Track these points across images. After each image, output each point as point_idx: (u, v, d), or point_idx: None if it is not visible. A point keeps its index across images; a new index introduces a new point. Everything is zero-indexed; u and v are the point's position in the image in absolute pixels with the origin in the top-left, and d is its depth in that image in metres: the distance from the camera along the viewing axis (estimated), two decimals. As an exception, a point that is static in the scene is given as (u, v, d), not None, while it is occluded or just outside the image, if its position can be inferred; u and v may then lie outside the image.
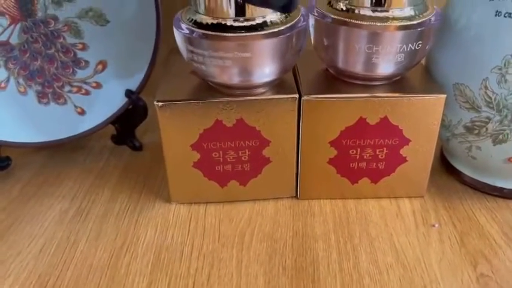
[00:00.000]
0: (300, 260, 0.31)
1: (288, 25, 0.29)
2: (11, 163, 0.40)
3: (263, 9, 0.28)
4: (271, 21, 0.29)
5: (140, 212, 0.35)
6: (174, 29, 0.30)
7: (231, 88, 0.31)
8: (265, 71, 0.30)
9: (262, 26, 0.28)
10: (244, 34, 0.28)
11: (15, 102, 0.38)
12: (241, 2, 0.27)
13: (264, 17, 0.28)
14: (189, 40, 0.29)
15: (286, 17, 0.29)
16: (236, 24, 0.28)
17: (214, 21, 0.28)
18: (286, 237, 0.33)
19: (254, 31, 0.28)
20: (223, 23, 0.28)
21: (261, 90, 0.32)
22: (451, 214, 0.35)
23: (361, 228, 0.34)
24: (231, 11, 0.28)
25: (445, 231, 0.33)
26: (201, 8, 0.29)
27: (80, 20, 0.38)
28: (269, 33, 0.28)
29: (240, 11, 0.28)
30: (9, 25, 0.37)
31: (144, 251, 0.32)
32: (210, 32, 0.28)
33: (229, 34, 0.28)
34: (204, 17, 0.29)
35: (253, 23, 0.28)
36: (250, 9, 0.28)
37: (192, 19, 0.29)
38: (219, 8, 0.28)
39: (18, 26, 0.37)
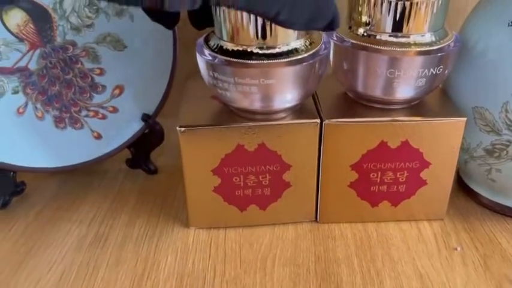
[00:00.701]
0: (324, 286, 0.31)
1: (310, 52, 0.29)
2: (25, 188, 0.40)
3: (287, 35, 0.28)
4: (294, 49, 0.29)
5: (159, 237, 0.35)
6: (197, 55, 0.30)
7: (252, 113, 0.31)
8: (287, 97, 0.30)
9: (286, 53, 0.29)
10: (268, 61, 0.28)
11: (32, 127, 0.38)
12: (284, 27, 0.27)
13: (287, 44, 0.29)
14: (212, 66, 0.29)
15: (309, 44, 0.29)
16: (260, 51, 0.28)
17: (238, 48, 0.29)
18: (308, 262, 0.33)
19: (278, 58, 0.28)
20: (248, 50, 0.28)
21: (282, 115, 0.32)
22: (472, 237, 0.35)
23: (383, 252, 0.33)
24: (255, 38, 0.28)
25: (467, 254, 0.33)
26: (225, 35, 0.29)
27: (97, 46, 0.38)
28: (292, 60, 0.28)
29: (263, 38, 0.28)
30: (28, 51, 0.37)
31: (165, 278, 0.32)
32: (233, 59, 0.28)
33: (253, 61, 0.28)
34: (227, 43, 0.29)
35: (277, 50, 0.28)
36: (273, 36, 0.28)
37: (216, 45, 0.29)
38: (243, 35, 0.28)
39: (37, 51, 0.37)
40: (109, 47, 0.39)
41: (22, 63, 0.37)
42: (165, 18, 0.29)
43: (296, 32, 0.28)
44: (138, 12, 0.38)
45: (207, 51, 0.30)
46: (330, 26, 0.24)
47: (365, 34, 0.31)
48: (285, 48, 0.28)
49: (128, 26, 0.38)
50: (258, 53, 0.28)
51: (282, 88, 0.29)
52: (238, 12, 0.27)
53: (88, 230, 0.36)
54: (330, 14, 0.23)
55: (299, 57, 0.29)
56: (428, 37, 0.30)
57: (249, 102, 0.30)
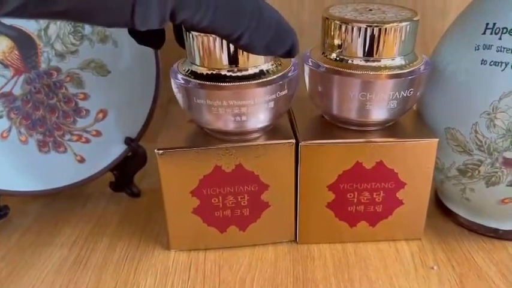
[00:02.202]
0: (301, 306, 0.31)
1: (280, 74, 0.30)
2: (9, 212, 0.40)
3: (256, 59, 0.29)
4: (265, 70, 0.30)
5: (140, 260, 0.35)
6: (172, 79, 0.31)
7: (227, 134, 0.32)
8: (260, 117, 0.31)
9: (256, 75, 0.30)
10: (239, 83, 0.29)
11: (15, 151, 0.38)
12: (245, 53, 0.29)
13: (256, 66, 0.30)
14: (185, 90, 0.30)
15: (277, 66, 0.31)
16: (231, 74, 0.29)
17: (210, 72, 0.30)
18: (287, 282, 0.33)
19: (249, 80, 0.29)
20: (221, 73, 0.29)
21: (256, 135, 0.33)
22: (449, 256, 0.35)
23: (361, 272, 0.34)
24: (226, 62, 0.29)
25: (444, 273, 0.33)
26: (197, 60, 0.30)
27: (82, 71, 0.39)
28: (263, 81, 0.30)
29: (234, 62, 0.29)
30: (13, 76, 0.38)
31: (144, 300, 0.32)
32: (206, 82, 0.29)
33: (225, 84, 0.29)
34: (200, 67, 0.30)
35: (248, 72, 0.30)
36: (243, 60, 0.29)
37: (189, 70, 0.30)
38: (214, 59, 0.29)
39: (22, 77, 0.38)
40: (93, 73, 0.40)
41: (6, 89, 0.37)
42: (151, 40, 0.30)
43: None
44: (121, 38, 0.39)
45: (180, 76, 0.31)
46: (289, 53, 0.25)
47: (338, 59, 0.32)
48: (254, 71, 0.30)
49: (111, 52, 0.39)
50: (229, 76, 0.29)
51: (253, 109, 0.30)
52: (209, 37, 0.28)
53: (69, 253, 0.36)
54: (290, 42, 0.24)
55: (269, 78, 0.30)
56: (399, 61, 0.31)
57: (223, 123, 0.31)
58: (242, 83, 0.29)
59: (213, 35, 0.28)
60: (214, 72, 0.29)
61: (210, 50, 0.29)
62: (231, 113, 0.30)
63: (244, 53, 0.29)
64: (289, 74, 0.31)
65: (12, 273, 0.34)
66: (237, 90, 0.29)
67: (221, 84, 0.29)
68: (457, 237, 0.37)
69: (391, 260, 0.35)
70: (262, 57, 0.30)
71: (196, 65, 0.30)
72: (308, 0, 0.46)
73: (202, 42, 0.29)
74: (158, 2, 0.20)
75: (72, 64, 0.39)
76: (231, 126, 0.31)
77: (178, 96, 0.32)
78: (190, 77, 0.30)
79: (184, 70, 0.31)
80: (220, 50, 0.29)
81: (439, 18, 0.48)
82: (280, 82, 0.30)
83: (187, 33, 0.29)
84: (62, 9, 0.19)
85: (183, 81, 0.30)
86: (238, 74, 0.29)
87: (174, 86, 0.31)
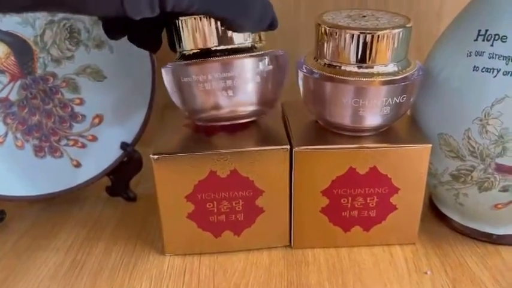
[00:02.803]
0: (295, 311, 0.31)
1: (267, 51, 0.32)
2: (5, 216, 0.40)
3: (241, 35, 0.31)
4: (250, 45, 0.31)
5: (135, 264, 0.35)
6: (162, 70, 0.32)
7: (220, 120, 0.33)
8: (248, 91, 0.31)
9: (244, 49, 0.31)
10: (228, 57, 0.30)
11: (12, 157, 0.39)
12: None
13: (243, 43, 0.31)
14: (175, 72, 0.31)
15: (260, 41, 0.32)
16: (220, 48, 0.30)
17: (197, 51, 0.31)
18: (281, 287, 0.33)
19: (237, 53, 0.30)
20: (209, 49, 0.31)
21: (247, 119, 0.33)
22: (443, 261, 0.35)
23: (355, 277, 0.34)
24: (214, 40, 0.30)
25: (437, 278, 0.34)
26: (185, 43, 0.31)
27: (77, 77, 0.39)
28: (251, 55, 0.31)
29: (223, 40, 0.30)
30: (9, 82, 0.38)
31: (138, 305, 0.32)
32: (195, 60, 0.31)
33: (215, 58, 0.30)
34: (187, 51, 0.31)
35: (236, 46, 0.31)
36: (230, 37, 0.31)
37: (179, 54, 0.32)
38: (202, 37, 0.30)
39: (18, 83, 0.38)
40: (89, 78, 0.40)
41: (2, 94, 0.38)
42: (147, 42, 0.31)
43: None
44: (117, 44, 0.39)
45: (170, 64, 0.32)
46: (271, 26, 0.29)
47: (331, 65, 0.32)
48: (243, 45, 0.31)
49: (107, 57, 0.40)
50: (218, 50, 0.30)
51: (241, 82, 0.31)
52: (195, 20, 0.30)
53: (65, 258, 0.36)
54: (270, 15, 0.28)
55: (259, 53, 0.31)
56: (391, 67, 0.32)
57: (213, 102, 0.31)
58: (231, 56, 0.30)
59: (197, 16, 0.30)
60: (202, 50, 0.30)
61: (197, 30, 0.30)
62: (218, 89, 0.30)
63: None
64: (276, 54, 0.32)
65: (8, 279, 0.34)
66: (225, 62, 0.30)
67: (209, 58, 0.30)
68: (450, 242, 0.37)
69: (385, 265, 0.35)
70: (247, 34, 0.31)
71: (186, 50, 0.31)
72: (304, 5, 0.46)
73: (189, 25, 0.30)
74: None
75: (68, 69, 0.39)
76: (220, 102, 0.31)
77: (168, 83, 0.33)
78: (180, 60, 0.31)
79: (175, 59, 0.32)
80: (208, 29, 0.30)
81: (434, 23, 0.48)
82: (266, 57, 0.31)
83: (176, 22, 0.30)
84: None
85: (170, 65, 0.31)
86: (228, 46, 0.30)
87: (164, 75, 0.32)
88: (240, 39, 0.31)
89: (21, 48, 0.38)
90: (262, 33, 0.32)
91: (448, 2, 0.47)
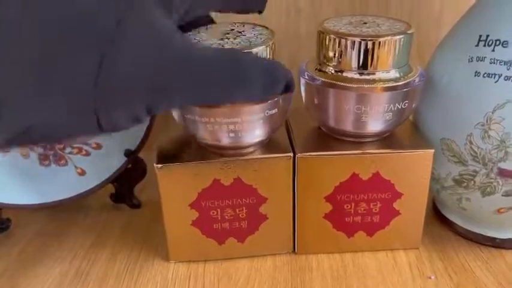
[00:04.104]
0: (299, 317, 0.31)
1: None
2: (10, 225, 0.41)
3: None
4: None
5: (140, 272, 0.36)
6: None
7: (223, 149, 0.33)
8: (256, 132, 0.31)
9: None
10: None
11: (17, 166, 0.39)
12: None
13: None
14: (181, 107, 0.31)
15: None
16: None
17: None
18: (285, 293, 0.33)
19: None
20: None
21: (252, 149, 0.33)
22: (447, 265, 0.35)
23: (359, 282, 0.34)
24: None
25: (441, 283, 0.34)
26: None
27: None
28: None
29: None
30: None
31: (144, 312, 0.32)
32: None
33: None
34: None
35: None
36: None
37: None
38: None
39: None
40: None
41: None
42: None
43: None
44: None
45: None
46: (287, 90, 0.26)
47: (333, 72, 0.32)
48: None
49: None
50: None
51: (248, 126, 0.30)
52: None
53: (70, 266, 0.37)
54: (282, 80, 0.25)
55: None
56: (393, 73, 0.32)
57: (217, 139, 0.31)
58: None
59: None
60: None
61: None
62: (225, 130, 0.30)
63: None
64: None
65: None
66: (231, 107, 0.29)
67: None
68: (454, 246, 0.37)
69: (389, 270, 0.35)
70: None
71: None
72: (305, 12, 0.46)
73: None
74: (124, 109, 0.19)
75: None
76: (225, 141, 0.31)
77: (174, 112, 0.32)
78: None
79: None
80: None
81: (435, 28, 0.48)
82: (276, 99, 0.30)
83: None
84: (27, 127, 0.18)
85: None
86: None
87: None
88: None
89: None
90: None
91: (448, 8, 0.47)
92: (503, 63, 0.30)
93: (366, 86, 0.31)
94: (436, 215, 0.40)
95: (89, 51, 0.17)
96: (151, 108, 0.20)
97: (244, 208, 0.34)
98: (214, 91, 0.22)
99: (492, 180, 0.32)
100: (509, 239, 0.36)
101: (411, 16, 0.47)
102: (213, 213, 0.34)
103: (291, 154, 0.33)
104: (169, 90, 0.20)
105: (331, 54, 0.32)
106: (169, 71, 0.19)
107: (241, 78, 0.22)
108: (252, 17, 0.32)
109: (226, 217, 0.35)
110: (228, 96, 0.23)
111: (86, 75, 0.17)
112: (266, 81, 0.24)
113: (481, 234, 0.37)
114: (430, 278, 0.34)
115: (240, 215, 0.35)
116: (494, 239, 0.37)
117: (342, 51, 0.32)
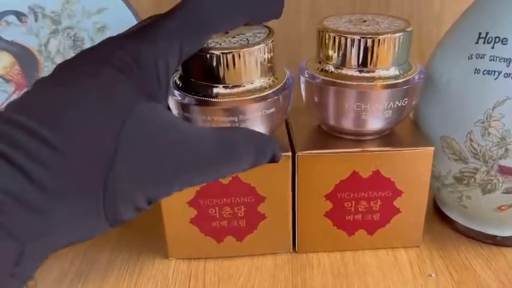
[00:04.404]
0: (300, 316, 0.31)
1: (274, 89, 0.30)
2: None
3: (251, 74, 0.30)
4: (260, 86, 0.30)
5: (140, 270, 0.36)
6: (169, 97, 0.31)
7: None
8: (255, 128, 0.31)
9: (251, 91, 0.30)
10: (235, 99, 0.29)
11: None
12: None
13: (252, 82, 0.30)
14: (182, 106, 0.30)
15: (273, 81, 0.31)
16: (226, 91, 0.29)
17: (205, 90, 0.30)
18: (285, 292, 0.33)
19: (244, 96, 0.29)
20: (214, 91, 0.29)
21: None
22: (447, 263, 0.35)
23: (360, 280, 0.34)
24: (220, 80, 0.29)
25: (442, 281, 0.34)
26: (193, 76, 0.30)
27: (81, 84, 0.40)
28: (258, 97, 0.30)
29: (226, 80, 0.29)
30: (14, 91, 0.38)
31: (144, 311, 0.32)
32: (202, 98, 0.30)
33: (221, 100, 0.29)
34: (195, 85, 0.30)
35: (243, 89, 0.30)
36: (238, 75, 0.29)
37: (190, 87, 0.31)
38: (208, 75, 0.29)
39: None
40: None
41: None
42: None
43: (259, 70, 0.30)
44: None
45: (176, 92, 0.31)
46: (272, 161, 0.26)
47: (333, 70, 0.32)
48: (250, 86, 0.30)
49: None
50: (223, 93, 0.29)
51: (249, 123, 0.30)
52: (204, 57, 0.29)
53: (70, 266, 0.37)
54: (267, 154, 0.25)
55: (263, 94, 0.30)
56: (393, 71, 0.32)
57: None
58: (238, 98, 0.29)
59: (208, 53, 0.29)
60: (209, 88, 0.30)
61: (203, 67, 0.29)
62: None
63: (238, 68, 0.29)
64: (284, 88, 0.31)
65: None
66: (233, 105, 0.29)
67: (217, 100, 0.29)
68: (455, 244, 0.37)
69: (390, 268, 0.35)
70: (257, 72, 0.30)
71: (193, 80, 0.30)
72: (304, 10, 0.46)
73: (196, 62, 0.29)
74: (125, 201, 0.20)
75: (72, 78, 0.39)
76: None
77: (175, 113, 0.32)
78: (185, 93, 0.30)
79: (180, 85, 0.31)
80: (213, 68, 0.29)
81: (436, 26, 0.48)
82: (275, 97, 0.30)
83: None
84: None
85: (179, 97, 0.30)
86: (233, 90, 0.29)
87: (170, 102, 0.31)
88: (249, 79, 0.30)
89: (25, 58, 0.38)
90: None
91: (448, 6, 0.47)
92: (503, 60, 0.30)
93: (366, 83, 0.31)
94: (437, 213, 0.40)
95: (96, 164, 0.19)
96: (152, 200, 0.21)
97: (242, 207, 0.34)
98: (210, 173, 0.23)
99: (492, 177, 0.32)
100: (510, 236, 0.36)
101: (412, 14, 0.47)
102: (212, 211, 0.34)
103: (290, 153, 0.33)
104: (170, 181, 0.21)
105: (331, 52, 0.32)
106: (169, 166, 0.21)
107: (234, 158, 0.24)
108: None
109: (225, 215, 0.35)
110: (223, 174, 0.24)
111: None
112: (256, 159, 0.25)
113: (482, 232, 0.37)
114: (430, 276, 0.34)
115: (239, 214, 0.35)
116: (495, 236, 0.36)
117: (341, 49, 0.32)
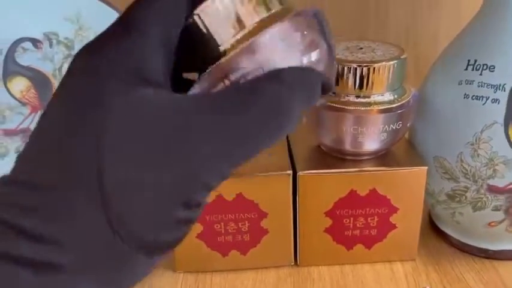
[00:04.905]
0: (301, 327, 0.33)
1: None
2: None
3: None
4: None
5: (150, 283, 0.38)
6: None
7: None
8: None
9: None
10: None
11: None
12: None
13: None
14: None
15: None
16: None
17: None
18: (287, 304, 0.35)
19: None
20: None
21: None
22: (442, 277, 0.37)
23: (358, 293, 0.36)
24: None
25: (436, 293, 0.36)
26: None
27: (93, 106, 0.42)
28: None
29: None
30: (30, 113, 0.40)
31: (154, 323, 0.34)
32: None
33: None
34: None
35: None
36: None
37: None
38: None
39: (38, 113, 0.40)
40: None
41: (25, 125, 0.40)
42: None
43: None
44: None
45: None
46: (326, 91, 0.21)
47: (331, 95, 0.34)
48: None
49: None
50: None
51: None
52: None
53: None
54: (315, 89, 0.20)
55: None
56: (388, 96, 0.34)
57: None
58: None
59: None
60: None
61: None
62: None
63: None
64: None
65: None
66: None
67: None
68: (449, 258, 0.39)
69: (387, 281, 0.37)
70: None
71: None
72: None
73: None
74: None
75: (84, 99, 0.42)
76: None
77: None
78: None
79: None
80: None
81: (431, 46, 0.50)
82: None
83: None
84: None
85: None
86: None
87: None
88: None
89: (41, 82, 0.40)
90: None
91: (443, 28, 0.49)
92: (490, 86, 0.32)
93: (362, 108, 0.33)
94: (432, 228, 0.42)
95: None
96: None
97: (246, 222, 0.36)
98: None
99: (482, 195, 0.34)
100: (501, 250, 0.38)
101: (408, 32, 0.50)
102: (217, 226, 0.36)
103: (290, 172, 0.35)
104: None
105: (329, 78, 0.34)
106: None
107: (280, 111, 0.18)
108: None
109: (230, 230, 0.37)
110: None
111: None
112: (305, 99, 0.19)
113: (474, 246, 0.39)
114: (425, 288, 0.36)
115: (243, 229, 0.37)
116: (486, 250, 0.38)
117: (339, 76, 0.34)
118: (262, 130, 0.18)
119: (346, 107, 0.34)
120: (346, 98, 0.34)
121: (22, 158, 0.18)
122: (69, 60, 0.40)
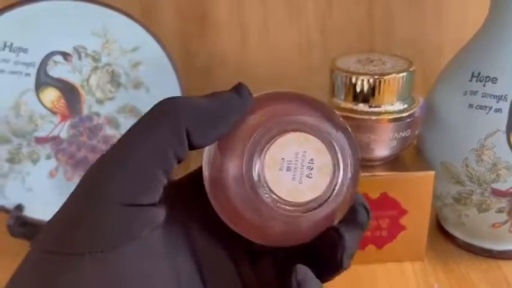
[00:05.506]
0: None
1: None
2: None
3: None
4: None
5: None
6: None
7: None
8: None
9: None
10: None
11: (62, 188, 0.44)
12: None
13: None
14: None
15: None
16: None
17: None
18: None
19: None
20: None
21: None
22: (449, 276, 0.39)
23: (370, 291, 0.38)
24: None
25: (443, 291, 0.38)
26: None
27: (117, 114, 0.45)
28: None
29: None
30: (60, 122, 0.43)
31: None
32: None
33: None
34: None
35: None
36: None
37: None
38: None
39: (68, 122, 0.43)
40: (128, 116, 0.45)
41: (55, 133, 0.43)
42: None
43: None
44: (152, 85, 0.45)
45: None
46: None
47: (344, 105, 0.37)
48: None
49: (144, 96, 0.45)
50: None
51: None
52: None
53: None
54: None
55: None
56: (397, 106, 0.36)
57: None
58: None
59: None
60: None
61: None
62: None
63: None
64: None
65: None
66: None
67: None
68: (456, 258, 0.41)
69: (397, 279, 0.39)
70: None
71: None
72: (316, 45, 0.51)
73: None
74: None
75: (110, 109, 0.44)
76: None
77: None
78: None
79: None
80: None
81: (436, 56, 0.53)
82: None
83: None
84: None
85: None
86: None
87: None
88: None
89: (70, 92, 0.43)
90: None
91: (448, 39, 0.52)
92: (493, 97, 0.35)
93: (374, 117, 0.36)
94: (440, 229, 0.44)
95: None
96: None
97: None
98: None
99: (486, 198, 0.37)
100: (505, 250, 0.40)
101: (416, 42, 0.52)
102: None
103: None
104: None
105: (342, 89, 0.37)
106: None
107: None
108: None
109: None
110: None
111: None
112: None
113: (480, 247, 0.41)
114: (433, 287, 0.38)
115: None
116: (491, 250, 0.41)
117: (352, 87, 0.36)
118: None
119: (359, 116, 0.36)
120: (359, 108, 0.36)
121: None
122: (96, 71, 0.43)
